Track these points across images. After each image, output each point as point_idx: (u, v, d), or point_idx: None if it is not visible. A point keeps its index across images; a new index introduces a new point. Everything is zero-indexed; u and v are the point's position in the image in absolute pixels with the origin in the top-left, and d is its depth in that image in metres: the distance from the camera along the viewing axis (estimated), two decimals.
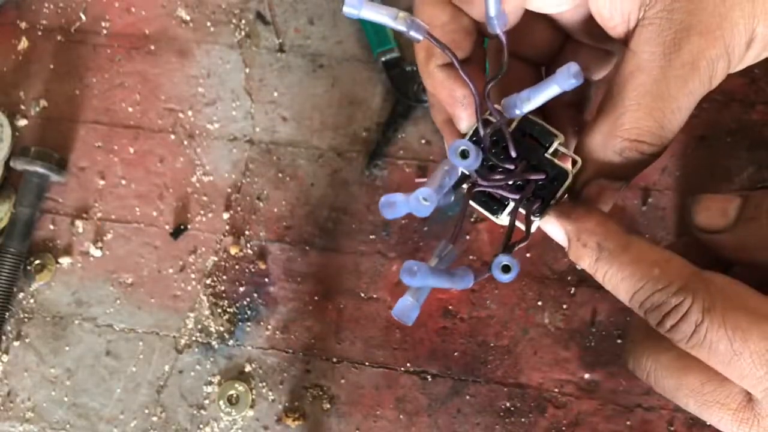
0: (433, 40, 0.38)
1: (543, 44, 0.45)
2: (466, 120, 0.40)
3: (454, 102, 0.40)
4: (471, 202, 0.41)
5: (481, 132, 0.39)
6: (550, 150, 0.39)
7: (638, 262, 0.35)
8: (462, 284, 0.36)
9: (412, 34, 0.37)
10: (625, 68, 0.38)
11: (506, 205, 0.40)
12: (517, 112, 0.37)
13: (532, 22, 0.44)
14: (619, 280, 0.35)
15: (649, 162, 0.39)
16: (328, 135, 0.70)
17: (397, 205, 0.34)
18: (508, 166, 0.39)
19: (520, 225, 0.41)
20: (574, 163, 0.39)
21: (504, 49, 0.38)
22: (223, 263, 0.69)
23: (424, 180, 0.69)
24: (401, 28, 0.37)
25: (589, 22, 0.41)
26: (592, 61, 0.46)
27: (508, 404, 0.66)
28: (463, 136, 0.41)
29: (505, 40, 0.38)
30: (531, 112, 0.39)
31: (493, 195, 0.40)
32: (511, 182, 0.39)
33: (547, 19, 0.44)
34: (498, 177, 0.39)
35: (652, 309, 0.34)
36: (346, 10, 0.36)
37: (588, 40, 0.45)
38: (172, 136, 0.71)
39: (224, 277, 0.69)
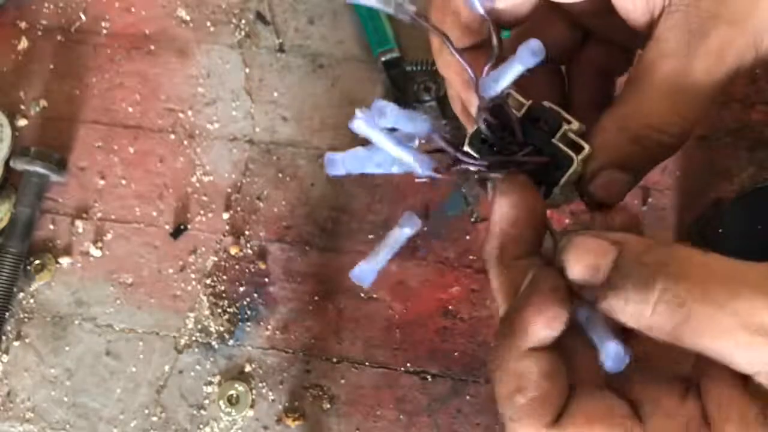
0: (423, 21, 0.38)
1: (561, 42, 0.44)
2: (476, 105, 0.40)
3: (466, 86, 0.40)
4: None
5: (482, 118, 0.38)
6: (558, 135, 0.39)
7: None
8: (417, 163, 0.36)
9: (401, 16, 0.37)
10: (648, 55, 0.37)
11: None
12: (491, 93, 0.37)
13: (549, 18, 0.43)
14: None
15: (665, 155, 0.37)
16: (328, 135, 0.70)
17: (336, 163, 0.35)
18: (513, 148, 0.39)
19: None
20: (582, 150, 0.38)
21: (492, 32, 0.38)
22: (223, 263, 0.69)
23: (426, 180, 0.69)
24: (389, 10, 0.37)
25: (608, 16, 0.40)
26: (612, 59, 0.45)
27: None
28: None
29: (491, 22, 0.37)
30: (551, 102, 0.39)
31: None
32: (498, 163, 0.39)
33: (564, 15, 0.43)
34: (484, 158, 0.39)
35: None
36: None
37: (606, 36, 0.44)
38: (172, 136, 0.71)
39: (224, 277, 0.69)
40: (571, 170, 0.38)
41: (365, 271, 0.36)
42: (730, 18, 0.35)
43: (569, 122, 0.39)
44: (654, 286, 0.31)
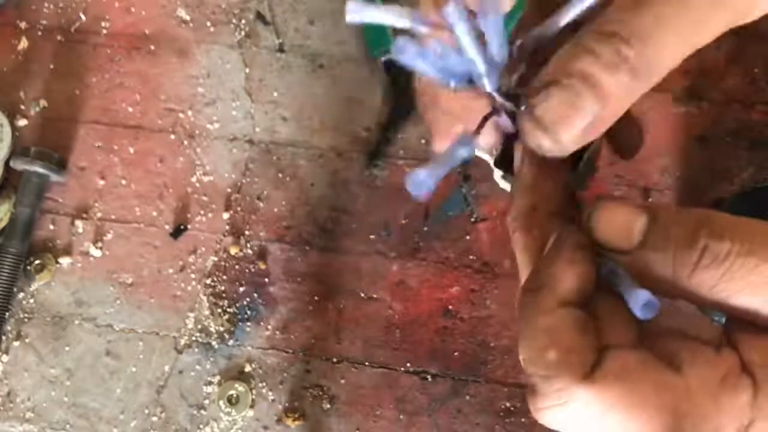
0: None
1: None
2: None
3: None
4: (479, 153, 0.41)
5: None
6: None
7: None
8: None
9: (417, 26, 0.36)
10: None
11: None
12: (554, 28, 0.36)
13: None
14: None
15: (625, 86, 0.33)
16: (328, 135, 0.70)
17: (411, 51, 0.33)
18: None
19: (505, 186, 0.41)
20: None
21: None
22: (223, 263, 0.69)
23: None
24: (404, 23, 0.36)
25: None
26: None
27: (508, 404, 0.66)
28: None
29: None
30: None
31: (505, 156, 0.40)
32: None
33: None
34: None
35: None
36: (349, 18, 0.35)
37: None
38: (172, 136, 0.71)
39: (224, 277, 0.69)
40: (593, 145, 0.38)
41: (423, 178, 0.34)
42: None
43: None
44: (697, 243, 0.31)
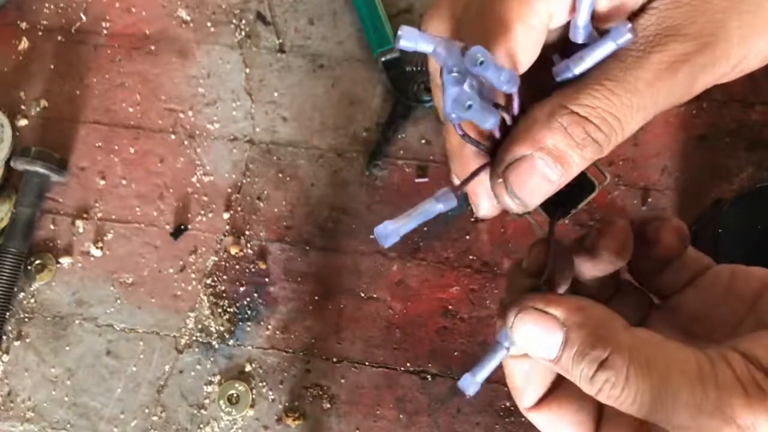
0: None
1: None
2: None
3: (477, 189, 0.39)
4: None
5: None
6: None
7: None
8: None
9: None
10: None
11: None
12: (570, 75, 0.35)
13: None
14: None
15: (588, 159, 0.35)
16: (328, 135, 0.71)
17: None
18: None
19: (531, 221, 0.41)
20: (603, 180, 0.39)
21: (513, 105, 0.35)
22: (223, 263, 0.69)
23: (426, 180, 0.69)
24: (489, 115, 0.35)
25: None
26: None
27: (508, 404, 0.66)
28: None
29: (517, 101, 0.35)
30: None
31: None
32: None
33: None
34: None
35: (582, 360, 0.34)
36: (403, 44, 0.34)
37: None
38: (173, 136, 0.71)
39: (224, 277, 0.69)
40: (591, 196, 0.39)
41: (389, 231, 0.35)
42: (692, 32, 0.34)
43: None
44: (595, 383, 0.34)
